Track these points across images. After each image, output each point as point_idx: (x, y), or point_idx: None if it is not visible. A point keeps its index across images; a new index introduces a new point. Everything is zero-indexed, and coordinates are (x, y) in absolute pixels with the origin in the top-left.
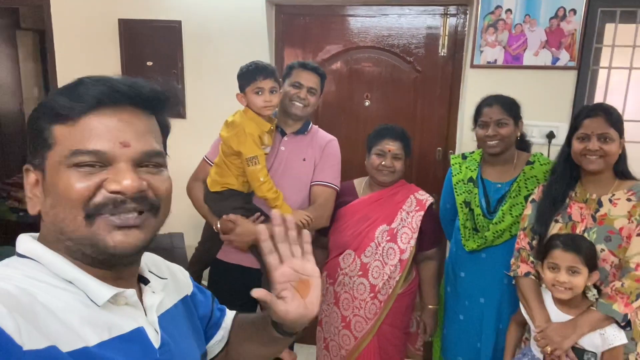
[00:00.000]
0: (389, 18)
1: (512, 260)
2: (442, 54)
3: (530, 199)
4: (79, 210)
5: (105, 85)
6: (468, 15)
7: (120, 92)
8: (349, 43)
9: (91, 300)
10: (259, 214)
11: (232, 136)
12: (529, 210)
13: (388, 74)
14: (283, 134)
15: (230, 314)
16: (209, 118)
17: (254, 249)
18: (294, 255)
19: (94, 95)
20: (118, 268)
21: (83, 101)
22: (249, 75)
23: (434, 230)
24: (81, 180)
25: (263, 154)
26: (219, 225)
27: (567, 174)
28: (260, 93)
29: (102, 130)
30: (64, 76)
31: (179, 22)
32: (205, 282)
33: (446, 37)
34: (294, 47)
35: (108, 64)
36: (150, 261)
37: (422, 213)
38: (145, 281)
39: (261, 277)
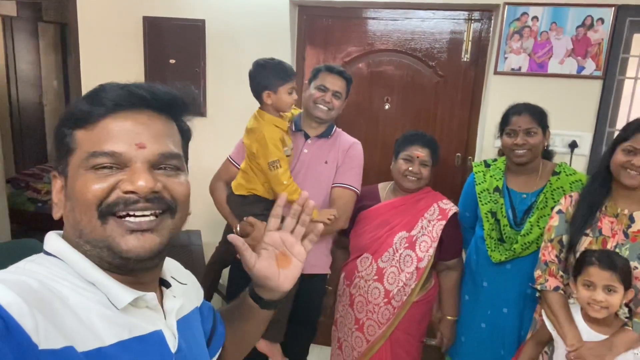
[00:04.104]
0: (412, 22)
1: (538, 272)
2: (465, 60)
3: (556, 209)
4: (93, 211)
5: (124, 90)
6: (493, 21)
7: (137, 96)
8: (370, 46)
9: (112, 303)
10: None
11: (252, 142)
12: (555, 221)
13: (409, 77)
14: (307, 137)
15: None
16: (230, 116)
17: None
18: (292, 233)
19: (112, 98)
20: (137, 273)
21: (102, 105)
22: (285, 75)
23: (455, 241)
24: (97, 181)
25: (285, 157)
26: (238, 228)
27: (604, 184)
28: (291, 93)
29: (119, 132)
30: (88, 70)
31: (203, 21)
32: (223, 282)
33: (469, 43)
34: (316, 48)
35: (131, 60)
36: (172, 266)
37: (443, 222)
38: (167, 284)
39: None
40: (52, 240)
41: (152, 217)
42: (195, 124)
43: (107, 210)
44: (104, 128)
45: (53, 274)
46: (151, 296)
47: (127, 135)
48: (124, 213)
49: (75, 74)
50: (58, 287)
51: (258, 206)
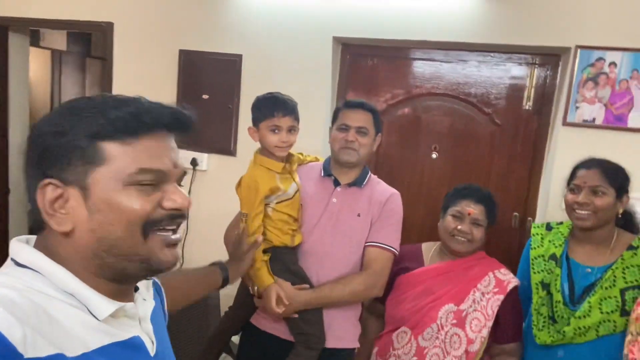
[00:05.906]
0: (467, 65)
1: None
2: (527, 108)
3: None
4: (138, 227)
5: (167, 111)
6: (561, 67)
7: (180, 121)
8: (419, 88)
9: (92, 314)
10: (307, 285)
11: (237, 186)
12: None
13: (461, 125)
14: (337, 184)
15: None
16: None
17: (289, 319)
18: None
19: (160, 119)
20: (134, 283)
21: (147, 122)
22: (266, 109)
23: (515, 320)
24: (142, 198)
25: (258, 214)
26: (256, 287)
27: None
28: (276, 131)
29: (160, 151)
30: None
31: (240, 56)
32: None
33: (532, 89)
34: (358, 90)
35: (164, 93)
36: None
37: (501, 297)
38: (136, 288)
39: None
40: (25, 252)
41: (172, 232)
42: (224, 162)
43: (151, 226)
44: (146, 145)
45: (29, 287)
46: (130, 306)
47: (167, 154)
48: (161, 227)
49: None
50: (36, 298)
51: (280, 262)
